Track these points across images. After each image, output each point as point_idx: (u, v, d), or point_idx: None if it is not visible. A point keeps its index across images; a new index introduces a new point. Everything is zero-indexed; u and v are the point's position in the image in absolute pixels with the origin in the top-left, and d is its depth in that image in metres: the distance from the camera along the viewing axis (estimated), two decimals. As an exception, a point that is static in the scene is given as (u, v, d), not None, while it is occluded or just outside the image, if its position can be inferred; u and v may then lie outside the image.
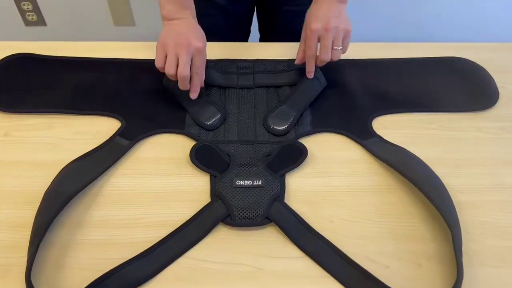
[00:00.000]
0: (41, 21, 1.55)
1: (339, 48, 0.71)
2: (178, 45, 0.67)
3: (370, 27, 1.47)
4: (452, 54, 0.85)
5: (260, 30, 1.09)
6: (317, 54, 0.73)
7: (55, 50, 0.84)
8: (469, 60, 0.83)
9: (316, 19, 0.70)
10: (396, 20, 1.57)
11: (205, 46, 0.70)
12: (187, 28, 0.71)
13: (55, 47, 0.85)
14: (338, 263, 0.57)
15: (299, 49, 0.76)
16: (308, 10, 0.74)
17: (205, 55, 0.71)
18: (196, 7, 0.75)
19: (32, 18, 1.53)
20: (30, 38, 1.54)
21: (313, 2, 0.74)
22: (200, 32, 0.72)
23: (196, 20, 0.74)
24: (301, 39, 0.75)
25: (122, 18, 1.56)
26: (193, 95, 0.72)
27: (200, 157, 0.66)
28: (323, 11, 0.71)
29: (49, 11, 1.53)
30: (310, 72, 0.75)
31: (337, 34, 0.70)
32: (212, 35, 0.88)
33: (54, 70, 0.80)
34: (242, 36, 1.06)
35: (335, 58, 0.72)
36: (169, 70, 0.68)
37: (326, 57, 0.71)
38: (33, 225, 0.58)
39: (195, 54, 0.69)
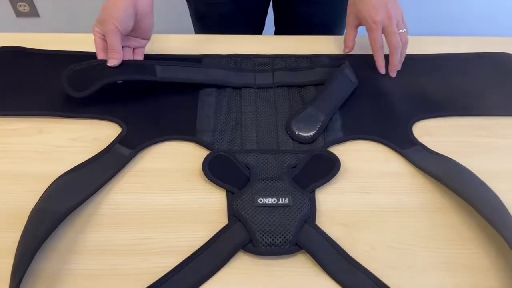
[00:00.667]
0: (33, 12, 1.45)
1: (404, 30, 0.69)
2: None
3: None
4: (493, 49, 0.75)
5: (275, 22, 0.99)
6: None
7: (48, 42, 0.74)
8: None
9: (375, 9, 0.68)
10: (414, 13, 1.48)
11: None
12: None
13: (48, 39, 0.75)
14: None
15: (348, 37, 0.73)
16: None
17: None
18: None
19: (24, 9, 1.43)
20: (21, 30, 1.43)
21: None
22: None
23: None
24: (349, 27, 0.73)
25: (121, 10, 1.46)
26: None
27: (215, 169, 0.57)
28: (379, 1, 0.67)
29: (43, 1, 1.43)
30: (382, 66, 0.71)
31: (398, 18, 0.68)
32: (224, 27, 0.79)
33: (46, 66, 0.70)
34: (256, 29, 0.97)
35: (404, 40, 0.70)
36: None
37: (398, 43, 0.68)
38: (16, 252, 0.48)
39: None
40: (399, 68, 0.71)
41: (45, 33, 0.78)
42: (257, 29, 0.98)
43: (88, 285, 0.48)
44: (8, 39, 0.75)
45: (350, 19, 0.72)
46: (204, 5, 0.88)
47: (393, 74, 0.71)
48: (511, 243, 0.48)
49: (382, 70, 0.71)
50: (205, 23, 0.92)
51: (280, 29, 1.00)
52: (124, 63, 0.66)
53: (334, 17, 0.90)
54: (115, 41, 0.64)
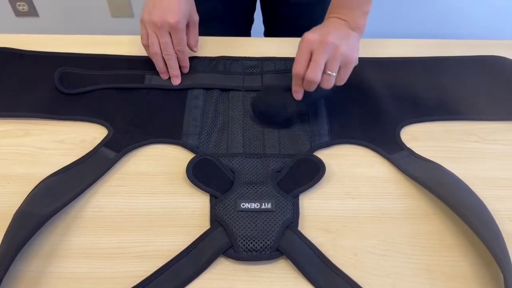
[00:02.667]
0: (33, 12, 1.45)
1: (333, 74, 0.57)
2: (151, 23, 0.64)
3: (381, 21, 1.36)
4: (486, 53, 0.74)
5: (264, 22, 0.99)
6: None
7: (47, 43, 0.74)
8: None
9: (314, 31, 0.59)
10: (407, 14, 1.46)
11: (179, 21, 0.63)
12: None
13: (47, 40, 0.75)
14: None
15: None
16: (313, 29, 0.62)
17: (182, 30, 0.65)
18: None
19: (23, 8, 1.44)
20: (21, 30, 1.44)
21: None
22: (177, 2, 0.64)
23: None
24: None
25: (120, 9, 1.46)
26: (174, 80, 0.68)
27: (199, 173, 0.56)
28: (327, 28, 0.60)
29: (42, 0, 1.43)
30: (296, 92, 0.60)
31: (334, 55, 0.56)
32: (212, 22, 0.78)
33: (34, 68, 0.70)
34: (245, 24, 0.96)
35: (325, 85, 0.58)
36: (152, 49, 0.66)
37: (313, 75, 0.56)
38: (-3, 255, 0.48)
39: (170, 31, 0.65)
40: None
41: (44, 33, 0.78)
42: (245, 26, 0.97)
43: (69, 288, 0.48)
44: (7, 41, 0.75)
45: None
46: None
47: (297, 96, 0.61)
48: (494, 251, 0.47)
49: (297, 96, 0.61)
50: None
51: (269, 30, 0.99)
52: (116, 73, 0.68)
53: (316, 19, 0.89)
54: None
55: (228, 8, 0.88)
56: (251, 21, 0.98)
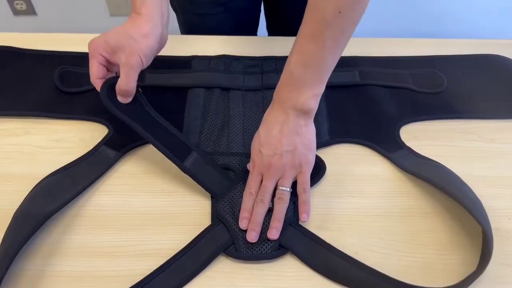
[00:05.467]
0: (30, 10, 1.45)
1: (287, 189, 0.53)
2: None
3: (380, 20, 1.37)
4: (484, 52, 0.75)
5: (268, 29, 0.98)
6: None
7: (45, 42, 0.74)
8: (510, 59, 0.73)
9: (262, 146, 0.54)
10: (406, 13, 1.47)
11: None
12: None
13: (45, 39, 0.75)
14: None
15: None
16: (260, 127, 0.56)
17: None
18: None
19: (21, 7, 1.44)
20: (19, 29, 1.43)
21: (266, 112, 0.57)
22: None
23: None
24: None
25: (119, 8, 1.47)
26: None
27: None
28: (273, 139, 0.54)
29: (40, -1, 1.43)
30: (242, 218, 0.52)
31: (284, 175, 0.53)
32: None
33: (35, 67, 0.70)
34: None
35: (281, 201, 0.52)
36: None
37: (261, 197, 0.52)
38: (-2, 254, 0.48)
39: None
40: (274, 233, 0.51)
41: (42, 32, 0.78)
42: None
43: (70, 286, 0.48)
44: (5, 38, 0.75)
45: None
46: (194, 16, 0.84)
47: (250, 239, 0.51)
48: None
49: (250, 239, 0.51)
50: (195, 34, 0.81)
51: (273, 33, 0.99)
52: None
53: None
54: (133, 80, 0.53)
55: (234, 23, 0.85)
56: (255, 35, 0.95)
